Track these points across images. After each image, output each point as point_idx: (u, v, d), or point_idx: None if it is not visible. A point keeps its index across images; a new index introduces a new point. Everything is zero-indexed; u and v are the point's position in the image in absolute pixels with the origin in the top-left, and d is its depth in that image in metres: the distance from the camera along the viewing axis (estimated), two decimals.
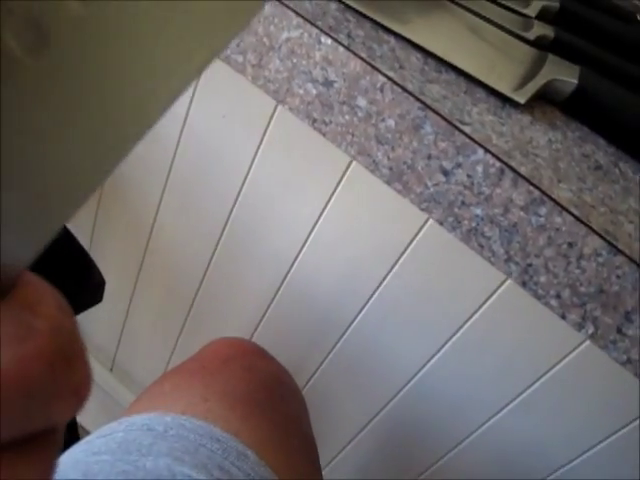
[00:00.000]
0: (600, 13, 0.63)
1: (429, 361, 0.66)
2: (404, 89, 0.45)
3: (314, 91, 0.47)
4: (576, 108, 0.51)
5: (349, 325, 0.69)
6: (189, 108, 0.64)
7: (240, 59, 0.49)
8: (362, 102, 0.46)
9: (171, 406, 0.49)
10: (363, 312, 0.67)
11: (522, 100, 0.48)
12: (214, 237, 0.74)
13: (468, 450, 0.70)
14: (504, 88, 0.48)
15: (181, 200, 0.74)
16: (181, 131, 0.67)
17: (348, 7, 0.48)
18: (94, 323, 1.04)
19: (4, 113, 0.12)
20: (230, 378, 0.56)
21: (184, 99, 0.63)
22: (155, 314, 0.94)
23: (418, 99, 0.44)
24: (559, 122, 0.50)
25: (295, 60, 0.47)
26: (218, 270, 0.79)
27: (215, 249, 0.75)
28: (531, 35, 0.57)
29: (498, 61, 0.50)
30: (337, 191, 0.59)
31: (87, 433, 0.44)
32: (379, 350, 0.70)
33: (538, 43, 0.56)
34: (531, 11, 0.60)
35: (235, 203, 0.68)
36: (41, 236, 0.14)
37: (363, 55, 0.45)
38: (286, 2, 0.46)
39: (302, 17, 0.46)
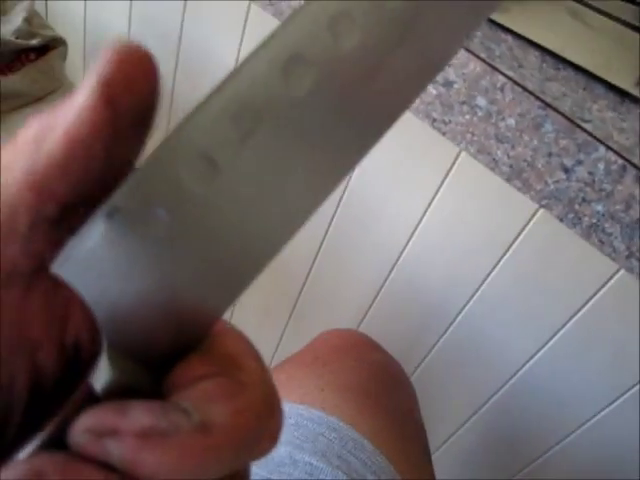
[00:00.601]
0: None
1: (536, 353, 0.66)
2: (524, 88, 0.45)
3: (434, 92, 0.49)
4: None
5: (456, 315, 0.70)
6: None
7: None
8: (482, 102, 0.47)
9: (288, 395, 0.51)
10: (471, 302, 0.68)
11: None
12: (321, 229, 0.76)
13: (572, 447, 0.69)
14: (623, 83, 0.48)
15: None
16: None
17: None
18: None
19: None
20: (343, 369, 0.57)
21: None
22: (264, 303, 0.96)
23: (538, 98, 0.45)
24: None
25: None
26: (325, 262, 0.80)
27: (322, 241, 0.78)
28: None
29: (615, 54, 0.50)
30: (446, 181, 0.59)
31: None
32: (486, 341, 0.70)
33: None
34: None
35: (343, 194, 0.70)
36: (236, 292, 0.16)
37: (483, 56, 0.46)
38: None
39: None
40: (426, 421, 0.69)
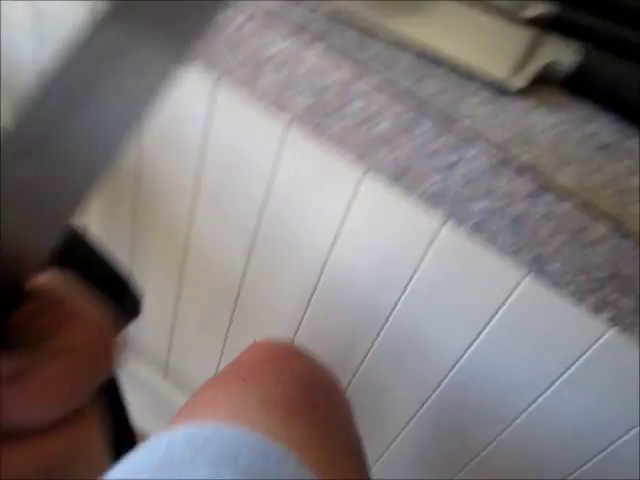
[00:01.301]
0: None
1: (472, 344, 0.66)
2: (394, 90, 0.44)
3: (310, 100, 0.48)
4: (579, 87, 0.50)
5: (389, 315, 0.70)
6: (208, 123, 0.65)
7: (238, 74, 0.50)
8: (357, 106, 0.46)
9: (210, 415, 0.50)
10: (401, 300, 0.68)
11: (519, 85, 0.47)
12: (247, 238, 0.76)
13: (520, 431, 0.70)
14: (500, 75, 0.47)
15: (212, 205, 0.75)
16: (203, 136, 0.67)
17: (332, 15, 0.48)
18: (144, 332, 1.06)
19: None
20: (265, 383, 0.56)
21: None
22: (201, 317, 0.96)
23: (409, 98, 0.44)
24: (561, 104, 0.50)
25: (286, 72, 0.47)
26: (255, 270, 0.80)
27: (251, 249, 0.77)
28: (527, 14, 0.56)
29: (493, 47, 0.49)
30: (362, 184, 0.58)
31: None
32: (422, 337, 0.70)
33: (535, 22, 0.55)
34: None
35: (265, 202, 0.69)
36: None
37: (349, 61, 0.45)
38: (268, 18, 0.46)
39: (286, 30, 0.46)
40: (372, 422, 0.68)
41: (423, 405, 0.74)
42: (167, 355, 1.07)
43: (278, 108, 0.49)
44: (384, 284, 0.66)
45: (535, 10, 0.53)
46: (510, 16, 0.53)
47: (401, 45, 0.48)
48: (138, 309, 0.74)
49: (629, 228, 0.41)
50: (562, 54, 0.49)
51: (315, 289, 0.73)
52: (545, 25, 0.54)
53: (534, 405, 0.65)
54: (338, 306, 0.75)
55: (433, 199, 0.47)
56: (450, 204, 0.46)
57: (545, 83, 0.51)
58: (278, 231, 0.70)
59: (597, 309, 0.46)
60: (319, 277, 0.71)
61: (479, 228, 0.46)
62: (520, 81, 0.47)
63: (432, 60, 0.48)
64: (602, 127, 0.48)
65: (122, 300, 0.73)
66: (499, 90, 0.47)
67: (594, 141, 0.47)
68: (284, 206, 0.67)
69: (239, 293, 0.83)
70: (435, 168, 0.46)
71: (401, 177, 0.47)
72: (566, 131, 0.46)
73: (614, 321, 0.46)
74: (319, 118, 0.48)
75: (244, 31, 0.47)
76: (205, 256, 0.84)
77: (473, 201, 0.45)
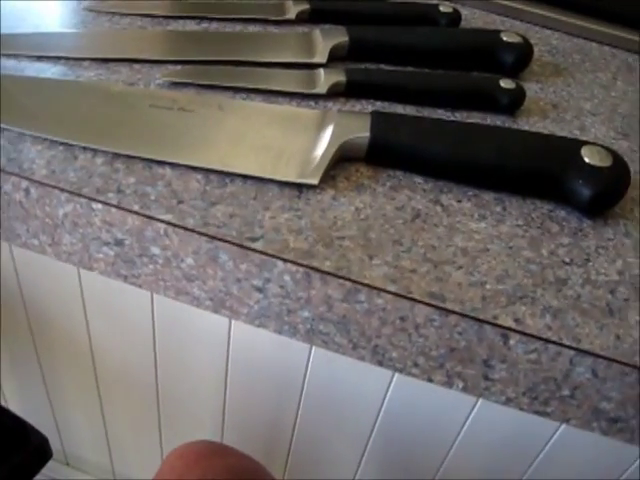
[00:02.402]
0: (394, 32, 0.61)
1: (388, 386, 0.66)
2: (185, 228, 0.43)
3: (111, 252, 0.46)
4: (379, 157, 0.50)
5: (303, 384, 0.70)
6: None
7: (36, 242, 0.48)
8: (156, 250, 0.45)
9: None
10: (310, 367, 0.68)
11: (315, 181, 0.47)
12: (148, 345, 0.74)
13: (463, 449, 0.71)
14: (293, 175, 0.46)
15: (105, 319, 0.74)
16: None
17: (117, 155, 0.47)
18: (81, 445, 1.05)
19: None
20: None
21: None
22: (130, 423, 0.96)
23: (202, 233, 0.43)
24: (366, 181, 0.49)
25: (81, 230, 0.46)
26: (165, 372, 0.79)
27: (155, 355, 0.76)
28: (322, 88, 0.55)
29: (284, 143, 0.48)
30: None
31: None
32: (339, 391, 0.71)
33: (330, 93, 0.54)
34: (320, 57, 0.58)
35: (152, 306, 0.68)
36: None
37: (136, 208, 0.44)
38: (47, 182, 0.44)
39: (67, 191, 0.44)
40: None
41: (365, 450, 0.74)
42: (110, 460, 1.06)
43: (86, 266, 0.48)
44: (289, 350, 0.65)
45: (330, 79, 0.52)
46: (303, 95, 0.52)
47: (190, 170, 0.47)
48: (48, 452, 0.73)
49: (451, 303, 0.41)
50: (354, 132, 0.48)
51: (226, 381, 0.72)
52: (342, 92, 0.53)
53: (467, 422, 0.65)
54: (253, 389, 0.74)
55: (260, 318, 0.46)
56: (276, 319, 0.45)
57: (349, 161, 0.50)
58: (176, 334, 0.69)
59: (447, 384, 0.45)
60: (225, 369, 0.70)
61: (309, 336, 0.45)
62: (315, 176, 0.46)
63: (224, 177, 0.47)
64: (413, 192, 0.48)
65: (25, 447, 0.72)
66: (300, 189, 0.46)
67: (405, 212, 0.47)
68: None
69: (157, 389, 0.82)
70: (249, 291, 0.44)
71: (223, 304, 0.46)
72: (373, 213, 0.47)
73: (466, 391, 0.45)
74: (127, 268, 0.46)
75: (30, 199, 0.46)
76: (113, 363, 0.84)
77: (296, 312, 0.44)
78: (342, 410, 0.73)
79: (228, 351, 0.71)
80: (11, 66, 0.54)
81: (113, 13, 0.62)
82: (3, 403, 1.07)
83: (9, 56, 0.55)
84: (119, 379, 0.87)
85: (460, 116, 0.57)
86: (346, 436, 0.77)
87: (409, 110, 0.57)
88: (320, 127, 0.49)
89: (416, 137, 0.49)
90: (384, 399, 0.69)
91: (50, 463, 1.05)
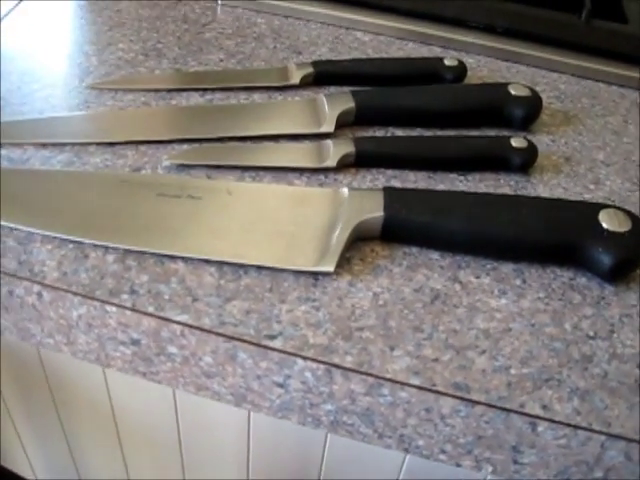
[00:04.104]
0: (400, 94, 0.61)
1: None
2: (202, 329, 0.42)
3: (128, 351, 0.46)
4: (394, 235, 0.49)
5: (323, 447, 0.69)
6: None
7: (51, 341, 0.48)
8: (173, 349, 0.44)
9: None
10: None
11: (331, 268, 0.46)
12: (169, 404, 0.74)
13: None
14: (308, 264, 0.46)
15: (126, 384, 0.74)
16: None
17: (128, 251, 0.46)
18: None
19: None
20: None
21: None
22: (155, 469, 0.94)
23: (219, 334, 0.42)
24: (382, 261, 0.48)
25: (97, 331, 0.45)
26: (188, 425, 0.79)
27: (176, 414, 0.76)
28: (331, 161, 0.54)
29: (296, 229, 0.47)
30: None
31: None
32: (363, 455, 0.70)
33: (340, 165, 0.54)
34: (327, 126, 0.57)
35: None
36: None
37: (150, 309, 0.43)
38: (59, 285, 0.44)
39: (80, 295, 0.44)
40: None
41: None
42: None
43: (103, 364, 0.47)
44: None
45: (339, 151, 0.51)
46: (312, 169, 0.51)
47: (203, 263, 0.47)
48: None
49: (476, 393, 0.41)
50: (366, 212, 0.48)
51: (249, 435, 0.72)
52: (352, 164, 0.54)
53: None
54: (276, 454, 0.74)
55: (283, 411, 0.45)
56: (299, 412, 0.45)
57: (363, 242, 0.49)
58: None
59: (476, 468, 0.44)
60: (248, 422, 0.70)
61: (333, 426, 0.45)
62: (330, 263, 0.45)
63: (238, 268, 0.46)
64: (430, 270, 0.47)
65: None
66: (315, 277, 0.46)
67: (424, 295, 0.46)
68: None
69: (180, 444, 0.82)
70: (270, 386, 0.44)
71: (244, 399, 0.45)
72: (391, 298, 0.46)
73: (496, 474, 0.44)
74: (145, 366, 0.46)
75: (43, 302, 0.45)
76: (134, 420, 0.83)
77: (319, 405, 0.44)
78: (364, 472, 0.72)
79: (249, 417, 0.70)
80: (16, 156, 0.54)
81: (116, 90, 0.61)
82: (31, 471, 1.07)
83: (13, 145, 0.54)
84: (141, 434, 0.86)
85: (473, 179, 0.57)
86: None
87: (420, 177, 0.56)
88: (332, 209, 0.48)
89: (431, 213, 0.48)
90: (404, 460, 0.68)
91: None
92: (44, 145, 0.55)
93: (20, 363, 0.80)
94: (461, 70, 0.66)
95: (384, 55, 0.72)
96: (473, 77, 0.70)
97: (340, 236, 0.47)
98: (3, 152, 0.54)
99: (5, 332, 0.49)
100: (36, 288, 0.45)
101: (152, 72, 0.65)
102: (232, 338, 0.42)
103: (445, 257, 0.49)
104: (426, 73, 0.66)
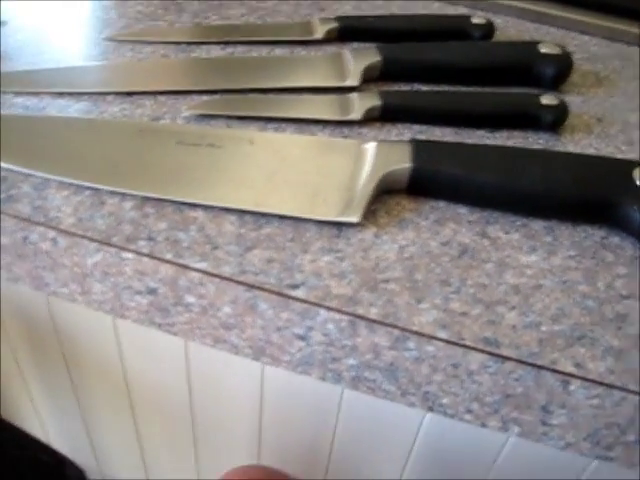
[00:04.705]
0: (427, 49, 0.59)
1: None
2: (221, 277, 0.41)
3: (144, 301, 0.44)
4: (421, 188, 0.47)
5: (339, 403, 0.68)
6: None
7: (65, 290, 0.46)
8: (191, 299, 0.43)
9: None
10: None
11: (356, 219, 0.44)
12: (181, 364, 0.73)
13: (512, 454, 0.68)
14: (332, 214, 0.44)
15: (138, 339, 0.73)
16: None
17: (146, 198, 0.45)
18: (116, 464, 1.04)
19: None
20: None
21: None
22: (166, 438, 0.94)
23: (239, 282, 0.41)
24: (408, 214, 0.46)
25: (112, 279, 0.44)
26: (199, 394, 0.78)
27: (187, 375, 0.75)
28: (356, 114, 0.52)
29: (320, 178, 0.46)
30: None
31: None
32: (380, 412, 0.69)
33: (365, 119, 0.52)
34: (352, 80, 0.55)
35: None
36: None
37: (168, 256, 0.42)
38: (74, 231, 0.42)
39: (96, 240, 0.42)
40: None
41: (404, 469, 0.72)
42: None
43: (118, 314, 0.46)
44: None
45: (363, 105, 0.50)
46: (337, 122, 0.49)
47: (223, 212, 0.45)
48: None
49: (506, 349, 0.39)
50: (393, 163, 0.46)
51: (261, 395, 0.72)
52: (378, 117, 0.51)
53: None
54: (289, 408, 0.74)
55: (303, 366, 0.43)
56: (319, 367, 0.43)
57: (389, 194, 0.47)
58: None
59: (502, 429, 0.43)
60: (261, 384, 0.70)
61: (355, 383, 0.43)
62: (355, 213, 0.44)
63: (259, 217, 0.45)
64: (458, 225, 0.45)
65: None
66: (339, 227, 0.44)
67: (451, 248, 0.44)
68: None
69: (192, 410, 0.81)
70: (291, 339, 0.42)
71: (263, 352, 0.44)
72: (417, 251, 0.45)
73: (522, 435, 0.43)
74: (161, 316, 0.44)
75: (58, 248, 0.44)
76: (146, 381, 0.82)
77: (341, 360, 0.42)
78: (381, 430, 0.71)
79: (262, 372, 0.69)
80: (32, 104, 0.52)
81: (134, 42, 0.60)
82: (41, 429, 1.06)
83: (30, 94, 0.53)
84: (153, 400, 0.86)
85: (500, 136, 0.55)
86: (388, 446, 0.75)
87: (447, 133, 0.54)
88: (358, 159, 0.46)
89: (460, 166, 0.46)
90: (422, 419, 0.67)
91: None
92: (61, 94, 0.54)
93: (30, 319, 0.79)
94: (489, 28, 0.64)
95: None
96: (500, 37, 0.68)
97: (366, 187, 0.45)
98: (19, 100, 0.52)
99: (19, 281, 0.47)
100: (51, 234, 0.43)
101: (172, 26, 0.63)
102: (252, 287, 0.41)
103: (473, 212, 0.48)
104: (453, 31, 0.64)
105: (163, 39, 0.60)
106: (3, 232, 0.44)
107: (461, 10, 0.72)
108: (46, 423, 1.05)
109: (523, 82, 0.60)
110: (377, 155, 0.47)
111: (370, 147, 0.47)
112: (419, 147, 0.47)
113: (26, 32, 0.61)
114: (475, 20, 0.64)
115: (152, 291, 0.44)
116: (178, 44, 0.60)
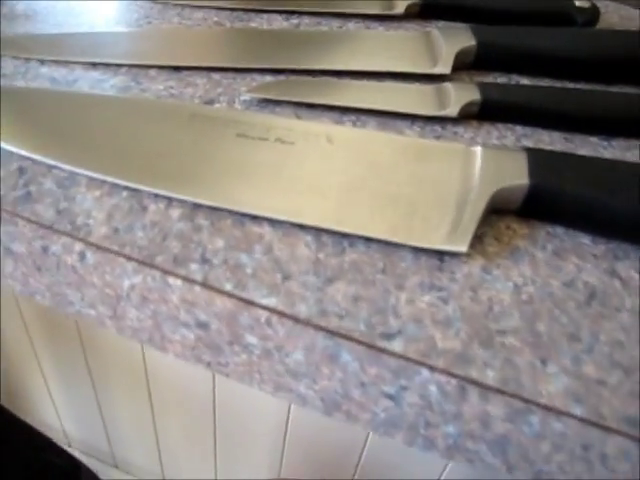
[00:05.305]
0: (528, 34, 0.49)
1: None
2: (296, 319, 0.32)
3: (192, 335, 0.35)
4: (536, 210, 0.38)
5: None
6: None
7: (93, 312, 0.37)
8: (253, 340, 0.33)
9: None
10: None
11: (464, 248, 0.35)
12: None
13: None
14: (435, 241, 0.35)
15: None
16: None
17: (198, 206, 0.35)
18: (132, 456, 0.99)
19: None
20: None
21: None
22: (184, 432, 0.89)
23: (319, 327, 0.31)
24: (521, 242, 0.37)
25: (152, 307, 0.34)
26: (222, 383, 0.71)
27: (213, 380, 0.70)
28: (452, 110, 0.43)
29: (416, 193, 0.36)
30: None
31: None
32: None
33: (461, 115, 0.42)
34: (443, 66, 0.46)
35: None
36: None
37: (228, 287, 0.32)
38: (108, 246, 0.33)
39: (135, 260, 0.33)
40: None
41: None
42: (160, 467, 0.99)
43: (157, 347, 0.37)
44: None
45: (460, 99, 0.40)
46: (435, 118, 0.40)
47: (296, 229, 0.36)
48: None
49: None
50: (508, 179, 0.36)
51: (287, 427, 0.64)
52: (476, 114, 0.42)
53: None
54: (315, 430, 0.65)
55: (386, 427, 0.34)
56: (408, 431, 0.34)
57: (496, 215, 0.38)
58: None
59: None
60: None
61: (450, 451, 0.34)
62: (463, 241, 0.34)
63: (341, 239, 0.35)
64: (581, 259, 0.36)
65: None
66: (440, 256, 0.35)
67: (577, 291, 0.35)
68: None
69: (214, 399, 0.75)
70: (376, 397, 0.33)
71: (337, 407, 0.35)
72: (537, 292, 0.36)
73: None
74: (212, 355, 0.35)
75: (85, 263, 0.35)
76: (167, 380, 0.76)
77: (438, 426, 0.33)
78: (406, 459, 0.64)
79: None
80: (60, 76, 0.42)
81: (183, 5, 0.50)
82: (51, 403, 1.00)
83: (58, 63, 0.43)
84: (173, 393, 0.79)
85: (618, 145, 0.45)
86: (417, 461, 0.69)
87: (556, 138, 0.45)
88: (462, 169, 0.37)
89: (589, 185, 0.37)
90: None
91: (98, 465, 0.98)
92: (94, 65, 0.44)
93: (48, 309, 0.72)
94: (593, 13, 0.54)
95: None
96: (603, 23, 0.58)
97: (475, 206, 0.35)
98: (45, 70, 0.43)
99: (36, 296, 0.38)
100: (78, 246, 0.34)
101: None
102: (336, 334, 0.31)
103: (597, 243, 0.38)
104: (552, 13, 0.54)
105: (216, 4, 0.51)
106: (18, 239, 0.35)
107: None
108: (62, 415, 1.00)
109: (635, 79, 0.50)
110: (486, 166, 0.37)
111: (476, 156, 0.38)
112: (537, 158, 0.38)
113: None
114: (578, 3, 0.54)
115: (203, 325, 0.34)
116: (234, 10, 0.51)
